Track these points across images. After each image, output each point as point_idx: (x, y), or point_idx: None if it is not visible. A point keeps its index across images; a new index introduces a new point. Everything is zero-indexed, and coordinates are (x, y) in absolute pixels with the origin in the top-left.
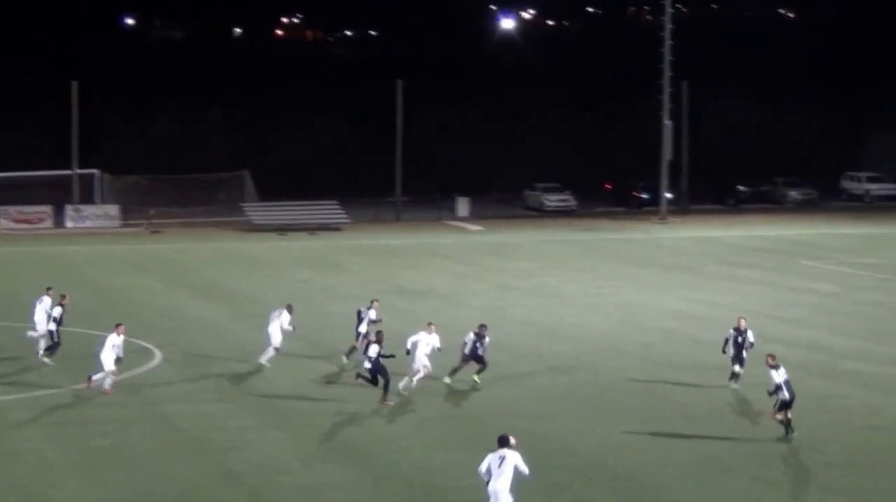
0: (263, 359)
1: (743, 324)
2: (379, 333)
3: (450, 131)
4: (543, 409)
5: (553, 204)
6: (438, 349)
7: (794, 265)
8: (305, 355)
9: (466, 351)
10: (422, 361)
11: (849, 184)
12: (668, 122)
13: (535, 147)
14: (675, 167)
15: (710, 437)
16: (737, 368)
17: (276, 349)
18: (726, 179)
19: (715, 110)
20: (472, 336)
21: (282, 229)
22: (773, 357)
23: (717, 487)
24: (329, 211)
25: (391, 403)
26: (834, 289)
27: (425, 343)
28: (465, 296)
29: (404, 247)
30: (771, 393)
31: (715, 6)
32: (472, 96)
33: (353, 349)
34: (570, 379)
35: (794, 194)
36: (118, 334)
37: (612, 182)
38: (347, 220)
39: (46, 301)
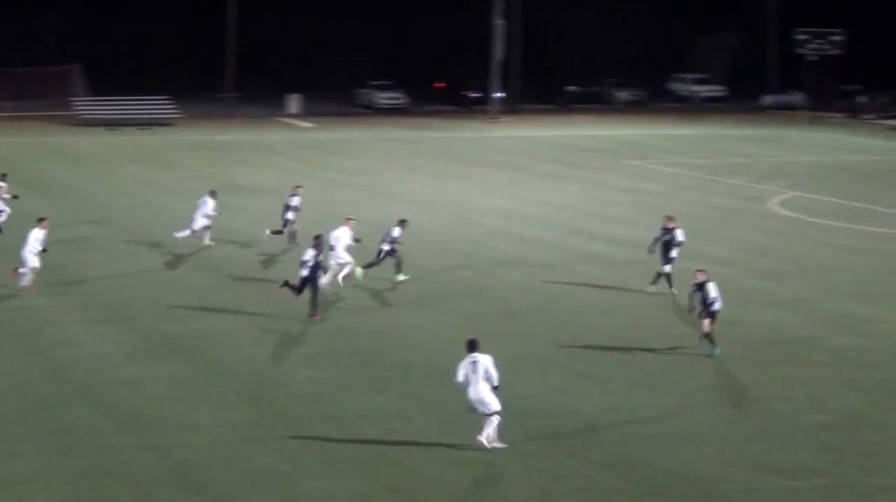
0: (206, 240)
1: (670, 223)
2: (318, 238)
3: (283, 27)
4: (368, 305)
5: (384, 102)
6: (355, 242)
7: (621, 165)
8: (132, 250)
9: (386, 247)
10: (344, 257)
11: (676, 86)
12: (499, 22)
13: (366, 45)
14: (506, 67)
15: (535, 334)
16: (666, 268)
17: (194, 231)
18: (556, 80)
19: (546, 11)
20: (396, 230)
21: (111, 124)
22: (703, 271)
23: (540, 383)
24: (160, 106)
25: (319, 319)
26: (659, 188)
27: (345, 238)
28: None
29: (236, 143)
30: (701, 311)
31: None
32: None
33: (279, 233)
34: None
35: (622, 95)
36: (42, 228)
37: (443, 81)
38: (179, 116)
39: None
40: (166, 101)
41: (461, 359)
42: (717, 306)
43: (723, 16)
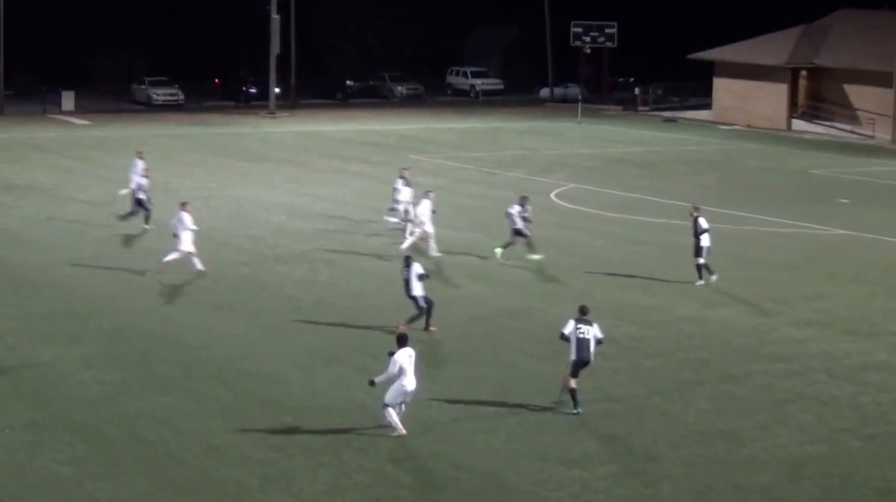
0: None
1: (694, 212)
2: (408, 258)
3: (55, 22)
4: (150, 304)
5: (161, 98)
6: (433, 212)
7: (402, 159)
8: None
9: (515, 226)
10: (430, 227)
11: (454, 80)
12: (276, 16)
13: (141, 39)
14: (283, 61)
15: (319, 330)
16: (700, 260)
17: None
18: (335, 75)
19: (323, 5)
20: (516, 208)
21: None
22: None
23: (327, 378)
24: None
25: (435, 329)
26: (440, 182)
27: (428, 210)
28: (72, 191)
29: (7, 141)
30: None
31: None
32: None
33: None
34: (178, 274)
35: (401, 89)
36: (187, 212)
37: (220, 76)
38: None
39: (139, 165)
40: None
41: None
42: (590, 351)
43: (498, 8)
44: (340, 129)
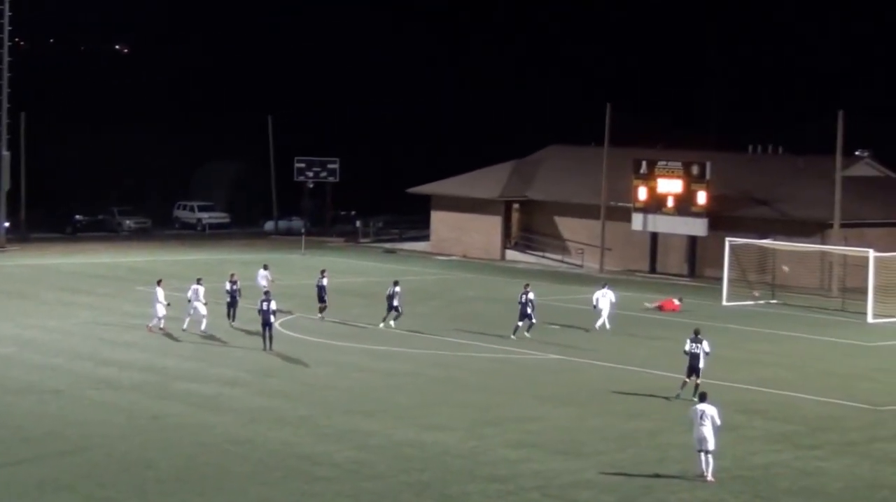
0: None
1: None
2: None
3: None
4: None
5: None
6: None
7: (130, 290)
8: None
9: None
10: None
11: (181, 213)
12: (5, 153)
13: None
14: (13, 196)
15: (46, 460)
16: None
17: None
18: (65, 208)
19: (55, 140)
20: (522, 298)
21: None
22: None
23: None
24: None
25: None
26: (171, 313)
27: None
28: None
29: None
30: None
31: (52, 40)
32: None
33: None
34: None
35: (129, 222)
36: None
37: None
38: None
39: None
40: None
41: None
42: None
43: (225, 144)
44: (70, 262)
